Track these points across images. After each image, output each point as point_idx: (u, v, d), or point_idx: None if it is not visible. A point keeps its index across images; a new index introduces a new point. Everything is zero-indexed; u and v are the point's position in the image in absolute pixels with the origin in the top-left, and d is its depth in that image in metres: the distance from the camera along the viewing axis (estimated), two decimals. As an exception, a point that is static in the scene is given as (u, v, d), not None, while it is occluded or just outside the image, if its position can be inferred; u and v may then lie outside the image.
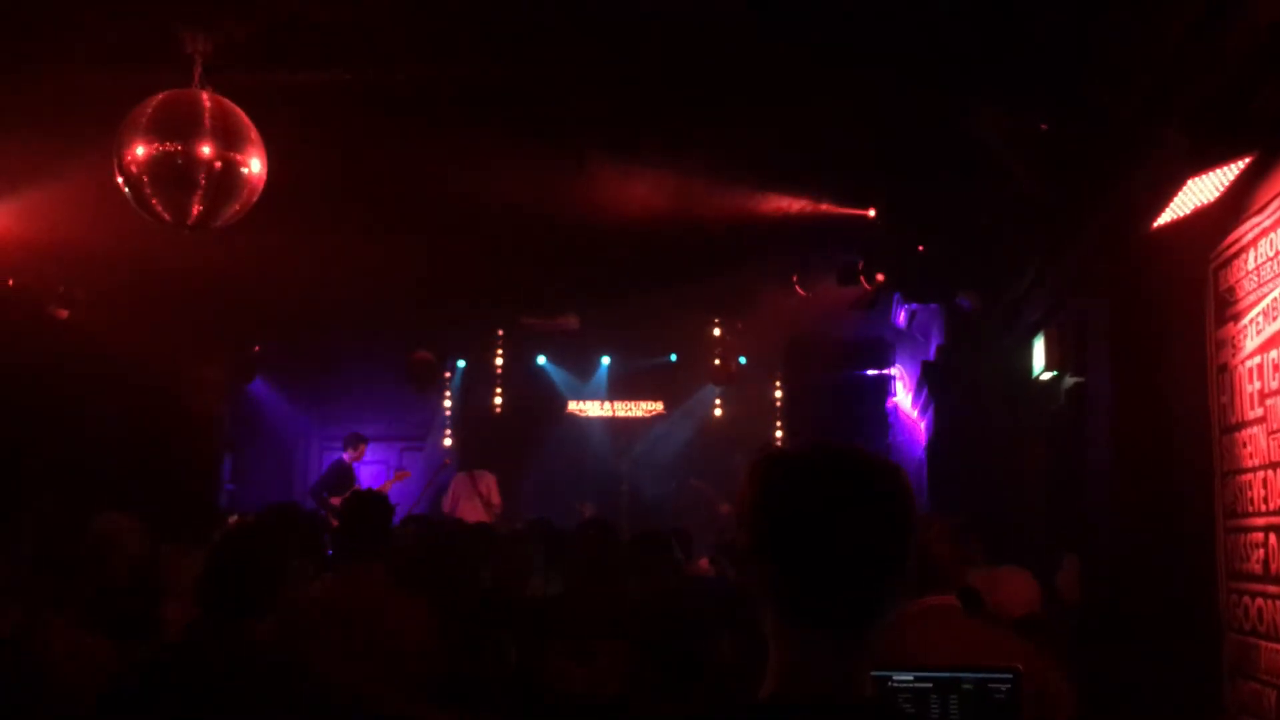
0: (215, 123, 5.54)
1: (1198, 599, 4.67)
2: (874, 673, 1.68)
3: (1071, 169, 6.05)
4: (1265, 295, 4.05)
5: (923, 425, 11.07)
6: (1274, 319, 3.98)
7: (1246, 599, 4.20)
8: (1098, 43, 5.12)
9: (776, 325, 12.13)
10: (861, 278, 8.97)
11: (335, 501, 10.62)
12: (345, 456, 12.59)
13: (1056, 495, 7.39)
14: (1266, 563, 3.99)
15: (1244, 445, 4.22)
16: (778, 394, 14.11)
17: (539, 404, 14.74)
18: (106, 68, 5.95)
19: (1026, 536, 7.63)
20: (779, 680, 1.64)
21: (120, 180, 5.60)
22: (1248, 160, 4.05)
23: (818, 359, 12.54)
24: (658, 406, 14.97)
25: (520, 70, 6.25)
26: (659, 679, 3.97)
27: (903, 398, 12.26)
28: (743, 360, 13.70)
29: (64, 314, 10.26)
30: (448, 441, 14.59)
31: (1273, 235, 4.01)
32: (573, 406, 14.96)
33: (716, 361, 13.71)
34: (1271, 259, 4.01)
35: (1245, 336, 4.23)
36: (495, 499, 12.37)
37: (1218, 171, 4.10)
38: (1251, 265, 4.19)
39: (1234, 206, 4.31)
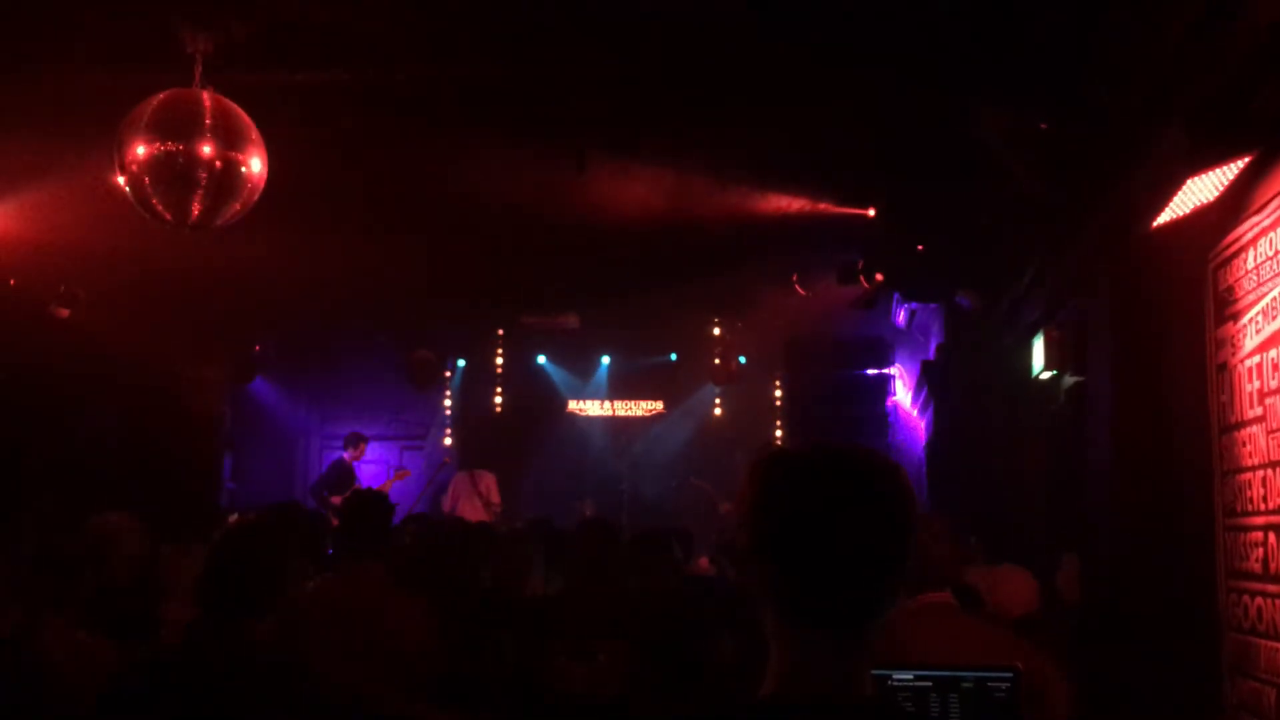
0: (216, 122, 5.54)
1: (1197, 598, 4.67)
2: (873, 671, 1.68)
3: (1071, 169, 6.05)
4: (1265, 294, 4.05)
5: (922, 424, 11.08)
6: (1273, 318, 3.98)
7: (1246, 598, 4.20)
8: (1098, 43, 5.13)
9: (776, 325, 12.14)
10: (861, 277, 8.98)
11: (336, 500, 10.62)
12: (346, 456, 12.60)
13: (1056, 495, 7.39)
14: (1266, 562, 3.99)
15: (1243, 444, 4.22)
16: (777, 393, 14.11)
17: (539, 403, 14.74)
18: (106, 68, 5.96)
19: (1026, 536, 7.64)
20: (779, 680, 1.64)
21: (121, 180, 5.60)
22: (1247, 160, 4.05)
23: (817, 358, 12.54)
24: (658, 406, 14.97)
25: (520, 70, 6.25)
26: (659, 679, 3.97)
27: (902, 397, 12.27)
28: (742, 360, 13.71)
29: (65, 313, 10.27)
30: (448, 441, 14.60)
31: (1272, 235, 4.01)
32: (573, 406, 14.96)
33: (716, 361, 13.71)
34: (1271, 258, 4.01)
35: (1244, 335, 4.24)
36: (495, 498, 12.38)
37: (1217, 171, 4.10)
38: (1251, 264, 4.19)
39: (1233, 206, 4.31)
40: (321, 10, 5.53)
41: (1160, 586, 5.13)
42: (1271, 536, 3.95)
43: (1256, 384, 4.11)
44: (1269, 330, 4.01)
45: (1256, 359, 4.11)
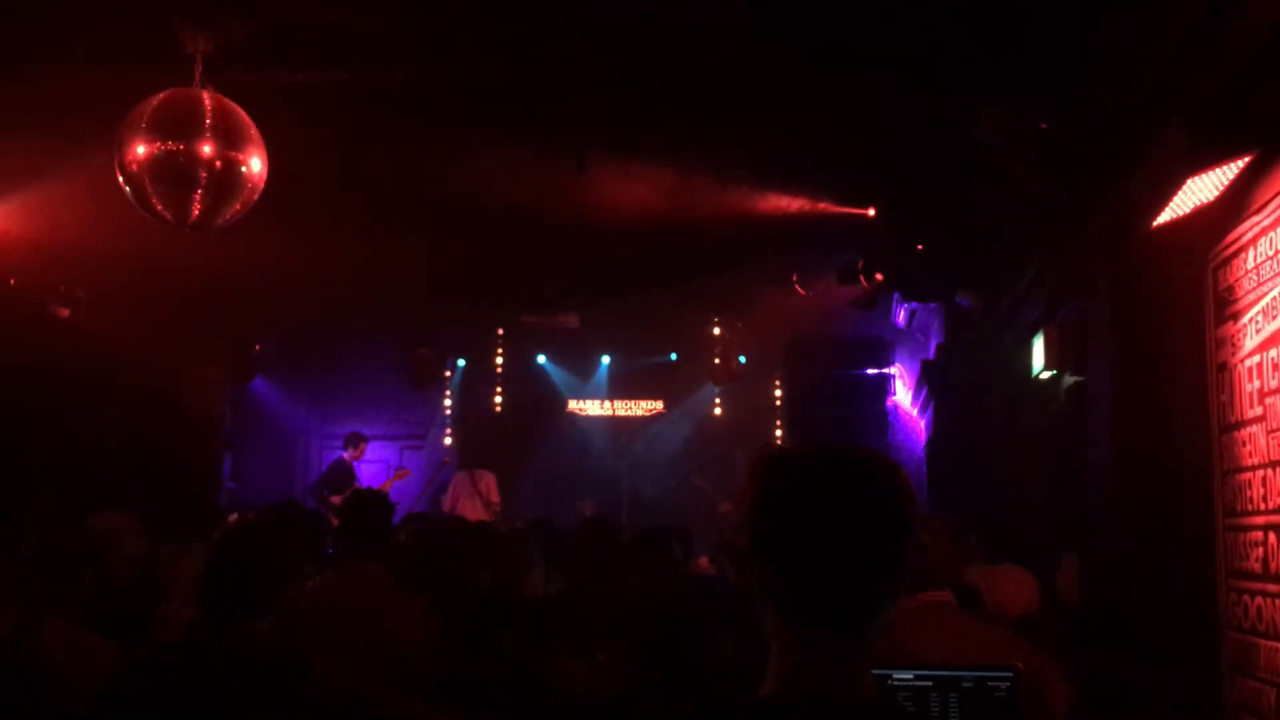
0: (216, 122, 5.54)
1: (1197, 598, 4.67)
2: (873, 671, 1.68)
3: (1071, 169, 6.05)
4: (1265, 294, 4.06)
5: (922, 424, 11.08)
6: (1273, 318, 3.98)
7: (1246, 597, 4.20)
8: (1098, 43, 5.13)
9: (776, 325, 12.14)
10: (861, 277, 8.98)
11: (336, 500, 10.63)
12: (345, 455, 12.61)
13: (1056, 495, 7.39)
14: (1266, 561, 3.99)
15: (1243, 444, 4.22)
16: (777, 393, 14.11)
17: (539, 403, 14.74)
18: (106, 68, 5.96)
19: (1026, 536, 7.64)
20: (779, 680, 1.64)
21: (121, 179, 5.60)
22: (1247, 160, 4.05)
23: (817, 358, 12.54)
24: (658, 405, 14.97)
25: (520, 70, 6.25)
26: (659, 679, 3.98)
27: (902, 396, 12.27)
28: (742, 359, 13.71)
29: (65, 313, 10.27)
30: (448, 440, 14.60)
31: (1272, 234, 4.01)
32: (573, 405, 14.96)
33: (716, 361, 13.72)
34: (1271, 258, 4.01)
35: (1244, 335, 4.24)
36: (495, 498, 12.39)
37: (1217, 171, 4.10)
38: (1251, 264, 4.19)
39: (1233, 206, 4.31)
40: (321, 10, 5.53)
41: (1160, 586, 5.13)
42: (1271, 536, 3.95)
43: (1256, 384, 4.11)
44: (1269, 330, 4.01)
45: (1256, 358, 4.11)
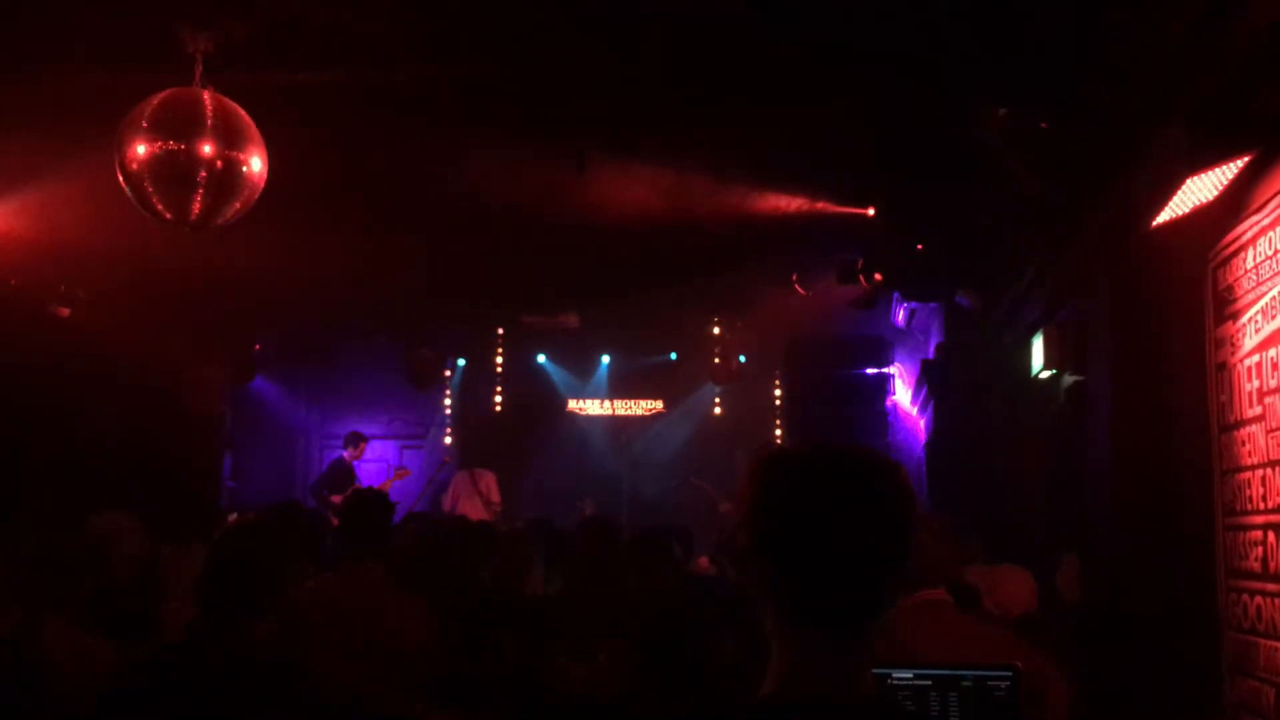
0: (216, 121, 5.54)
1: (1197, 598, 4.67)
2: (873, 670, 1.68)
3: (1071, 169, 6.05)
4: (1264, 294, 4.06)
5: (922, 423, 11.09)
6: (1272, 317, 3.98)
7: (1245, 597, 4.20)
8: (1098, 43, 5.13)
9: (776, 324, 12.15)
10: (861, 276, 8.98)
11: (336, 500, 10.63)
12: (345, 455, 12.61)
13: (1056, 494, 7.39)
14: (1265, 561, 3.99)
15: (1243, 443, 4.23)
16: (777, 393, 14.12)
17: (539, 403, 14.74)
18: (106, 68, 5.96)
19: (1026, 536, 7.64)
20: (779, 680, 1.64)
21: (121, 179, 5.60)
22: (1247, 159, 4.06)
23: (817, 358, 12.55)
24: (658, 405, 14.97)
25: (520, 70, 6.25)
26: (659, 679, 3.98)
27: (902, 396, 12.28)
28: (742, 359, 13.72)
29: (65, 312, 10.26)
30: (448, 440, 14.61)
31: (1271, 234, 4.01)
32: (573, 405, 14.96)
33: (716, 360, 13.72)
34: (1270, 257, 4.01)
35: (1244, 335, 4.24)
36: (495, 497, 12.39)
37: (1217, 170, 4.10)
38: (1250, 264, 4.19)
39: (1233, 205, 4.31)
40: (321, 10, 5.53)
41: (1160, 586, 5.13)
42: (1271, 535, 3.95)
43: (1256, 383, 4.11)
44: (1268, 329, 4.01)
45: (1256, 358, 4.11)
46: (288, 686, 3.29)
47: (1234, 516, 4.33)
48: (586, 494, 13.09)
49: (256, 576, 3.41)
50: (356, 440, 12.69)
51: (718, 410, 14.61)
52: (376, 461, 13.85)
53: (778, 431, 14.04)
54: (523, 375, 14.78)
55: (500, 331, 14.32)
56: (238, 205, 5.75)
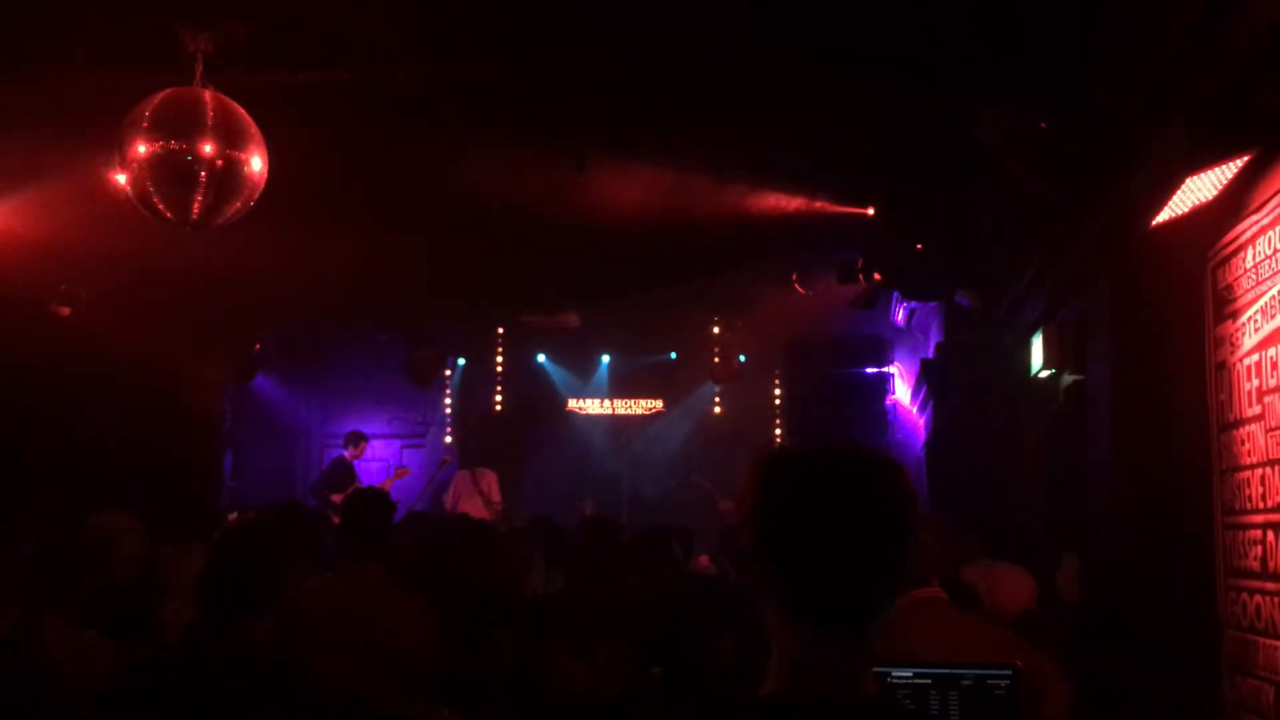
0: (217, 120, 5.55)
1: (1197, 597, 4.67)
2: (873, 669, 1.69)
3: (1071, 169, 6.05)
4: (1263, 293, 4.06)
5: (922, 422, 11.09)
6: (1272, 316, 3.98)
7: (1245, 596, 4.20)
8: (1098, 43, 5.13)
9: (776, 324, 12.15)
10: (860, 276, 8.99)
11: (336, 499, 10.63)
12: (346, 454, 12.62)
13: (1056, 494, 7.40)
14: (1264, 560, 4.00)
15: (1242, 443, 4.23)
16: (777, 392, 14.12)
17: (539, 402, 14.75)
18: (106, 68, 5.96)
19: (1026, 536, 7.64)
20: (780, 679, 1.64)
21: (122, 178, 5.60)
22: (1246, 159, 4.06)
23: (817, 357, 12.56)
24: (657, 404, 14.97)
25: (520, 70, 6.25)
26: (659, 679, 3.97)
27: (902, 395, 12.28)
28: (742, 358, 13.72)
29: (65, 311, 10.26)
30: (448, 439, 14.61)
31: (1271, 233, 4.02)
32: (573, 405, 14.97)
33: (716, 359, 13.72)
34: (1270, 257, 4.02)
35: (1243, 334, 4.24)
36: (496, 497, 12.39)
37: (1216, 170, 4.10)
38: (1250, 263, 4.20)
39: (1233, 205, 4.32)
40: (321, 10, 5.53)
41: (1160, 586, 5.13)
42: (1270, 534, 3.95)
43: (1255, 382, 4.11)
44: (1268, 328, 4.02)
45: (1255, 357, 4.12)
46: (288, 686, 3.30)
47: (1233, 515, 4.33)
48: (586, 494, 13.09)
49: (256, 576, 3.41)
50: (357, 440, 12.70)
51: (717, 410, 14.62)
52: (377, 461, 13.86)
53: (778, 431, 14.04)
54: (523, 375, 14.79)
55: (500, 331, 14.32)
56: (238, 205, 5.75)
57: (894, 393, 12.43)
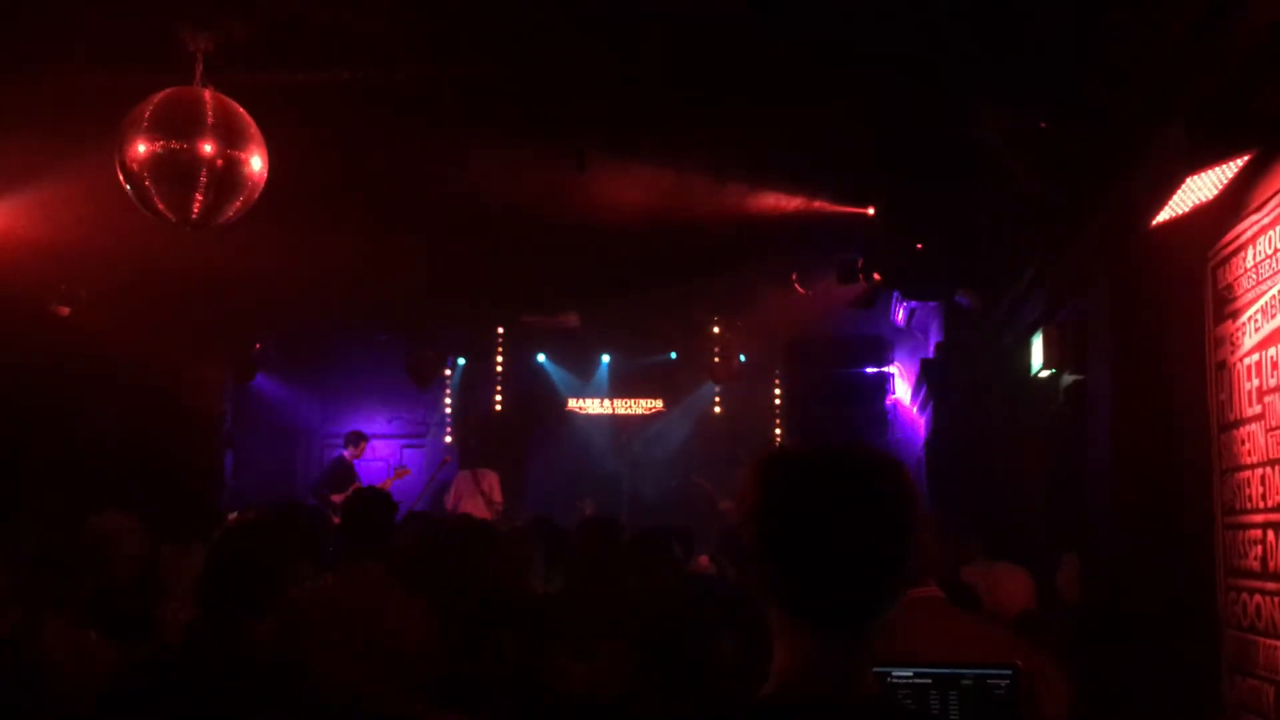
0: (217, 120, 5.55)
1: (1197, 597, 4.67)
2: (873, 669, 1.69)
3: (1071, 169, 6.05)
4: (1264, 293, 4.06)
5: (922, 422, 11.09)
6: (1272, 316, 3.98)
7: (1245, 596, 4.20)
8: (1098, 43, 5.13)
9: (776, 324, 12.15)
10: (860, 276, 8.99)
11: (336, 499, 10.63)
12: (346, 454, 12.62)
13: (1056, 494, 7.39)
14: (1264, 560, 4.00)
15: (1242, 442, 4.23)
16: (777, 392, 14.13)
17: (539, 402, 14.75)
18: (106, 67, 5.96)
19: (1026, 536, 7.64)
20: (780, 679, 1.64)
21: (122, 178, 5.61)
22: (1247, 159, 4.06)
23: (817, 357, 12.56)
24: (657, 404, 14.98)
25: (520, 70, 6.25)
26: (659, 679, 3.97)
27: (902, 394, 12.28)
28: (742, 358, 13.72)
29: (65, 311, 10.26)
30: (448, 439, 14.62)
31: (1271, 233, 4.02)
32: (573, 404, 14.97)
33: (716, 359, 13.72)
34: (1270, 256, 4.02)
35: (1243, 334, 4.24)
36: (497, 497, 12.40)
37: (1216, 170, 4.10)
38: (1250, 263, 4.20)
39: (1233, 204, 4.32)
40: (321, 10, 5.53)
41: (1160, 586, 5.13)
42: (1270, 534, 3.95)
43: (1255, 382, 4.11)
44: (1268, 328, 4.01)
45: (1255, 357, 4.11)
46: (288, 686, 3.30)
47: (1233, 515, 4.33)
48: (586, 494, 13.10)
49: (256, 576, 3.41)
50: (357, 439, 12.71)
51: (717, 409, 14.62)
52: (377, 461, 13.86)
53: (778, 431, 14.04)
54: (523, 375, 14.79)
55: (500, 331, 14.33)
56: (238, 204, 5.75)
57: (894, 392, 12.43)
